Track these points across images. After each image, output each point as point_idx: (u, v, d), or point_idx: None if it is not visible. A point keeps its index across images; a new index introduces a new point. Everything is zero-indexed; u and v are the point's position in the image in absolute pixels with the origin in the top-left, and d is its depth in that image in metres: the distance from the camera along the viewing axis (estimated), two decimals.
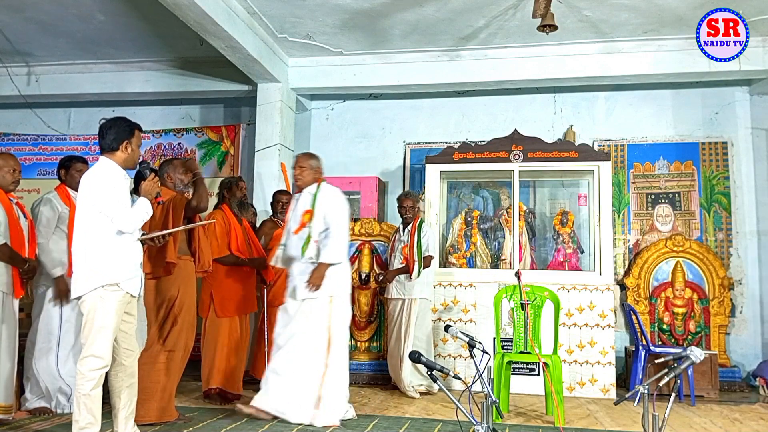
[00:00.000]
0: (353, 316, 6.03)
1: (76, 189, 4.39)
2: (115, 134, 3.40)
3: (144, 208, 3.35)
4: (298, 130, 7.02)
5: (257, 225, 5.70)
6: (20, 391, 4.18)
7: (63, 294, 4.17)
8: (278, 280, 5.30)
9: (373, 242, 6.18)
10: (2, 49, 6.62)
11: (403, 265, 5.36)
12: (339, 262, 4.17)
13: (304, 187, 4.37)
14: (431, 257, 5.40)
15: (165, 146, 7.39)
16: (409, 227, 5.46)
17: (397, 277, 5.38)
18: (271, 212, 5.75)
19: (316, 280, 4.07)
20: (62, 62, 6.99)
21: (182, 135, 7.40)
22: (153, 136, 7.36)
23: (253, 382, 5.31)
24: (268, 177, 6.43)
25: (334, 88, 6.83)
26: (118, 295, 3.26)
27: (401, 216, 5.53)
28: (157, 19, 5.75)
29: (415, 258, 5.28)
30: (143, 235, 3.49)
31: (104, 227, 3.25)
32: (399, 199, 5.59)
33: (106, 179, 3.31)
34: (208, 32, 5.35)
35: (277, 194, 5.62)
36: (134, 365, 3.44)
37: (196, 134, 7.39)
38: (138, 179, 3.75)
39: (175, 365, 3.99)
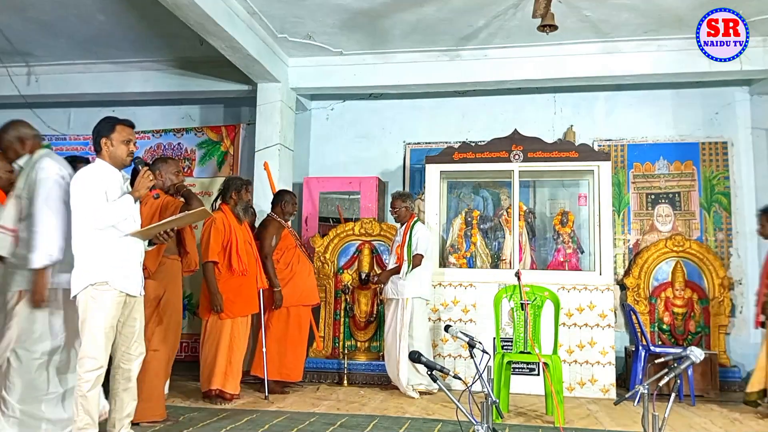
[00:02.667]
0: (353, 316, 6.06)
1: None
2: (95, 133, 3.36)
3: (123, 205, 3.24)
4: (298, 130, 7.02)
5: (255, 225, 5.70)
6: None
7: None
8: (291, 282, 5.31)
9: (373, 242, 6.19)
10: (2, 49, 6.62)
11: (397, 265, 5.36)
12: (47, 264, 3.37)
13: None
14: (420, 256, 5.31)
15: (165, 146, 7.39)
16: (403, 227, 5.47)
17: (391, 277, 5.38)
18: (270, 212, 5.71)
19: (37, 296, 3.35)
20: (62, 62, 6.99)
21: (182, 135, 7.40)
22: (153, 136, 7.36)
23: (254, 382, 5.34)
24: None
25: (334, 88, 6.83)
26: (111, 294, 3.21)
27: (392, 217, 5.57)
28: (157, 19, 5.75)
29: (405, 257, 5.28)
30: (150, 229, 3.44)
31: (86, 226, 3.23)
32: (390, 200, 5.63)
33: (84, 177, 3.26)
34: (208, 32, 5.35)
35: (286, 194, 5.58)
36: (133, 369, 3.40)
37: (196, 134, 7.39)
38: (134, 176, 3.71)
39: (160, 364, 3.97)
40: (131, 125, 3.44)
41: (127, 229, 3.30)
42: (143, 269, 3.67)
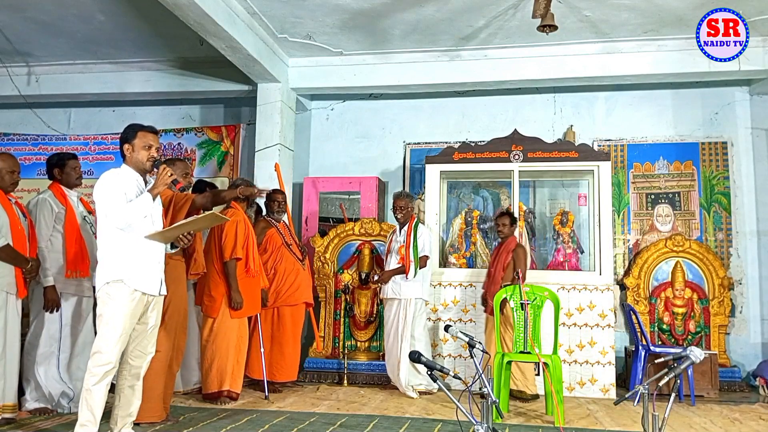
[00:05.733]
0: (353, 316, 6.07)
1: (71, 187, 4.39)
2: (120, 141, 3.47)
3: (141, 204, 3.29)
4: (298, 130, 7.02)
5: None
6: (21, 391, 4.16)
7: (50, 304, 4.15)
8: (274, 282, 5.31)
9: (373, 242, 6.19)
10: (2, 49, 6.62)
11: (400, 265, 5.35)
12: None
13: None
14: (427, 257, 5.38)
15: (165, 146, 7.38)
16: (405, 227, 5.46)
17: (393, 277, 5.38)
18: (265, 212, 5.70)
19: None
20: (62, 62, 6.99)
21: (182, 135, 7.40)
22: None
23: (252, 383, 5.35)
24: (268, 177, 6.42)
25: (334, 88, 6.83)
26: (125, 291, 3.25)
27: (394, 216, 5.54)
28: (157, 19, 5.75)
29: (411, 258, 5.28)
30: (166, 232, 3.43)
31: (109, 226, 3.31)
32: (393, 199, 5.60)
33: (104, 180, 3.34)
34: (208, 32, 5.35)
35: (273, 193, 5.55)
36: (141, 367, 3.43)
37: (196, 134, 7.39)
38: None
39: (161, 365, 3.93)
40: (153, 131, 3.49)
41: (144, 232, 3.34)
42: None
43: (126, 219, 3.26)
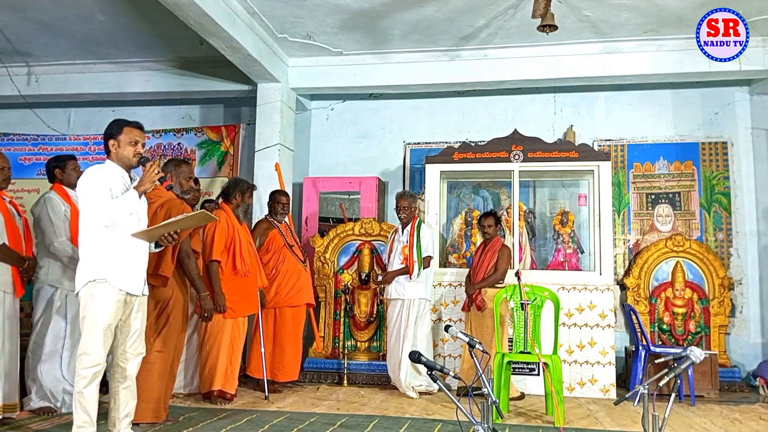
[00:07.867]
0: (353, 316, 6.06)
1: (72, 187, 4.40)
2: (105, 136, 3.41)
3: (127, 200, 3.24)
4: (298, 130, 7.02)
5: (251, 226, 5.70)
6: (23, 392, 4.16)
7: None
8: (276, 282, 5.31)
9: (373, 242, 6.19)
10: (2, 49, 6.62)
11: (403, 265, 5.35)
12: None
13: None
14: (430, 257, 5.39)
15: (165, 146, 7.39)
16: (408, 227, 5.45)
17: (396, 277, 5.37)
18: (266, 212, 5.69)
19: None
20: (62, 62, 6.99)
21: (182, 135, 7.40)
22: (153, 136, 7.35)
23: (249, 382, 5.34)
24: (267, 177, 6.42)
25: (334, 88, 6.83)
26: (110, 291, 3.22)
27: (397, 216, 5.53)
28: (157, 19, 5.75)
29: (415, 258, 5.27)
30: (152, 230, 3.40)
31: (92, 223, 3.26)
32: (396, 199, 5.59)
33: (89, 176, 3.29)
34: (208, 32, 5.35)
35: (277, 194, 5.57)
36: (132, 368, 3.41)
37: (196, 134, 7.39)
38: None
39: (163, 366, 3.94)
40: (139, 127, 3.46)
41: (130, 230, 3.30)
42: (163, 276, 3.72)
43: (111, 216, 3.20)
